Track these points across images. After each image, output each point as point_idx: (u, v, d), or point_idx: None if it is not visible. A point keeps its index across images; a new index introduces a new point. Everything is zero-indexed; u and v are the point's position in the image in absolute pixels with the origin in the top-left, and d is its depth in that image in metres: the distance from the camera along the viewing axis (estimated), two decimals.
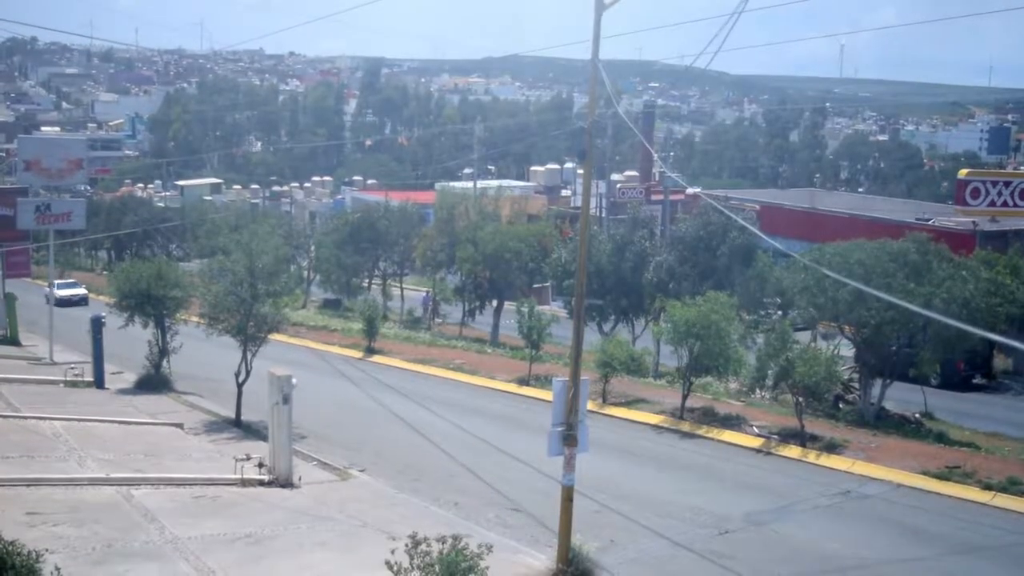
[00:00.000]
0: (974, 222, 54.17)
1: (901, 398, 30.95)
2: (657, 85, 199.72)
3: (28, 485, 20.32)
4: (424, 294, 54.46)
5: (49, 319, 36.21)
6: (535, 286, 49.22)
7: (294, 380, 22.86)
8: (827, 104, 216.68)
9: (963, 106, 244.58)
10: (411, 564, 15.04)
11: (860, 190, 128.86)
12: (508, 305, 45.70)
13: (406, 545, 15.12)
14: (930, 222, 54.51)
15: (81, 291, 62.06)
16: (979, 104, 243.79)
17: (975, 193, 59.02)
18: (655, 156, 71.27)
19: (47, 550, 13.77)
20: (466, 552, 15.05)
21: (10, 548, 12.67)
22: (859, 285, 24.25)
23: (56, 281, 46.28)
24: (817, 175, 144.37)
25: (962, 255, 31.03)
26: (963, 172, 65.88)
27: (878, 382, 29.40)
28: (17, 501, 18.82)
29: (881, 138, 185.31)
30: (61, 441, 24.30)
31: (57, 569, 12.88)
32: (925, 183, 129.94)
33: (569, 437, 17.30)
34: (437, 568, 14.97)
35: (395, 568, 14.99)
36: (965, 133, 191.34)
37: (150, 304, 32.03)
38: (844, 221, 57.08)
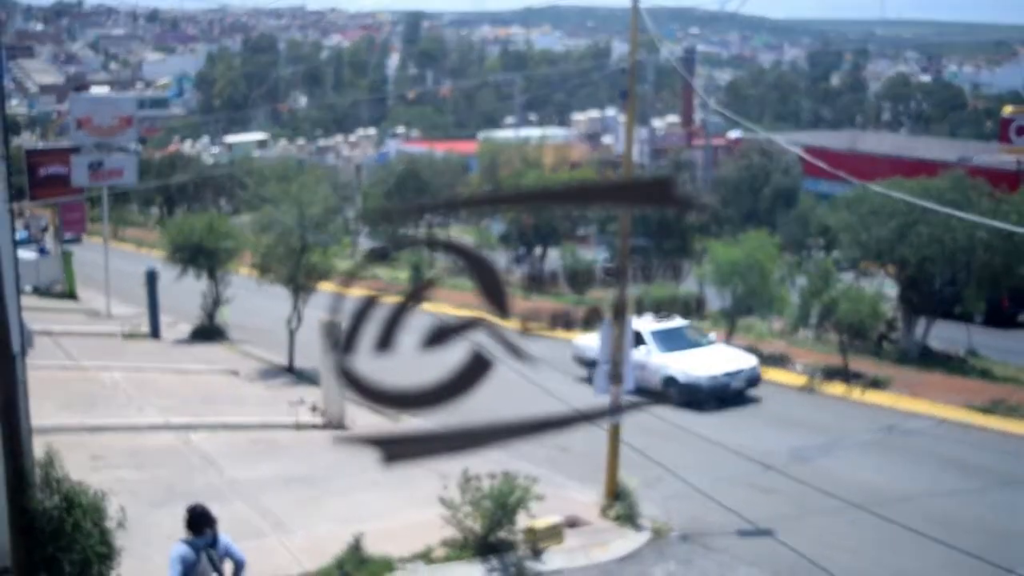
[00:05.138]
0: (1018, 160, 53.63)
1: (945, 336, 31.02)
2: (697, 32, 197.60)
3: (91, 431, 20.93)
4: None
5: (105, 274, 36.79)
6: (579, 233, 49.42)
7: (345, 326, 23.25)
8: (868, 46, 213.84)
9: (1008, 45, 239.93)
10: (463, 499, 15.57)
11: (903, 131, 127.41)
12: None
13: (458, 481, 15.62)
14: (971, 161, 54.00)
15: (745, 365, 26.40)
16: None
17: (1020, 131, 58.38)
18: (699, 96, 70.85)
19: (111, 491, 14.27)
20: (516, 486, 15.55)
21: (77, 488, 13.24)
22: (940, 207, 24.01)
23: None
24: (859, 117, 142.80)
25: (1004, 191, 30.81)
26: (1007, 109, 65.02)
27: (922, 320, 29.51)
28: (80, 447, 19.34)
29: (924, 79, 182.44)
30: (121, 390, 24.94)
31: (123, 508, 13.41)
32: (969, 123, 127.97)
33: (615, 375, 17.68)
34: (488, 502, 15.48)
35: (448, 503, 15.51)
36: (1010, 72, 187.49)
37: (203, 256, 32.53)
38: (885, 162, 56.64)
